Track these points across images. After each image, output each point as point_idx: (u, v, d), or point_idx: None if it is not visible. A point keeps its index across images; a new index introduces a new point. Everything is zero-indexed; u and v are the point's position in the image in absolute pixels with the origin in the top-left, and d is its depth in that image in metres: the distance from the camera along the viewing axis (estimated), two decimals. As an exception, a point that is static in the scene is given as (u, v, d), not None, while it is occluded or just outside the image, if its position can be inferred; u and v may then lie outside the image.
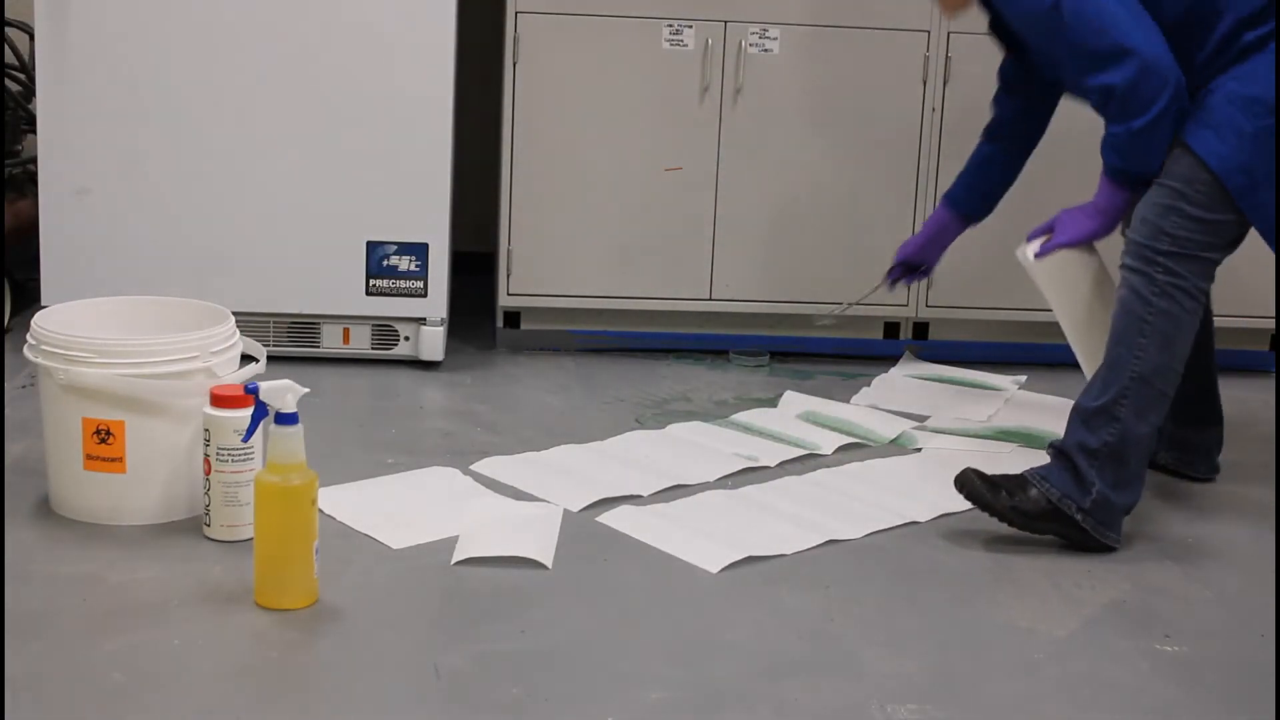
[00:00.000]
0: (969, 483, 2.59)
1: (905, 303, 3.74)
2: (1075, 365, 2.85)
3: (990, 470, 2.62)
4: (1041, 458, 2.66)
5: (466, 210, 3.95)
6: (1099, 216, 2.71)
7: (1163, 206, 2.54)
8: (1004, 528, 2.59)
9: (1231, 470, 2.97)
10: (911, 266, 3.40)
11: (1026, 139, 3.09)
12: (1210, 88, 2.56)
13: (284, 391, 2.22)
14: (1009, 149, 3.10)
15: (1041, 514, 2.56)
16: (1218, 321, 3.71)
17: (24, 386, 3.15)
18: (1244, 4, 2.54)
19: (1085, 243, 2.76)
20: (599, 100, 3.62)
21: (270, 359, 2.73)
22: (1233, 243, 2.61)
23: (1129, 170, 2.62)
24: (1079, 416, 2.58)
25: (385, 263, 3.47)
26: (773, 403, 3.39)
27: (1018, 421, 3.30)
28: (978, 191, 3.17)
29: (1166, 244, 2.52)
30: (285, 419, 2.21)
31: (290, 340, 3.50)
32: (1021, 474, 2.60)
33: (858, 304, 3.56)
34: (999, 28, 2.89)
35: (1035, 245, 2.81)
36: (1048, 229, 2.80)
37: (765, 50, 3.61)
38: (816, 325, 3.63)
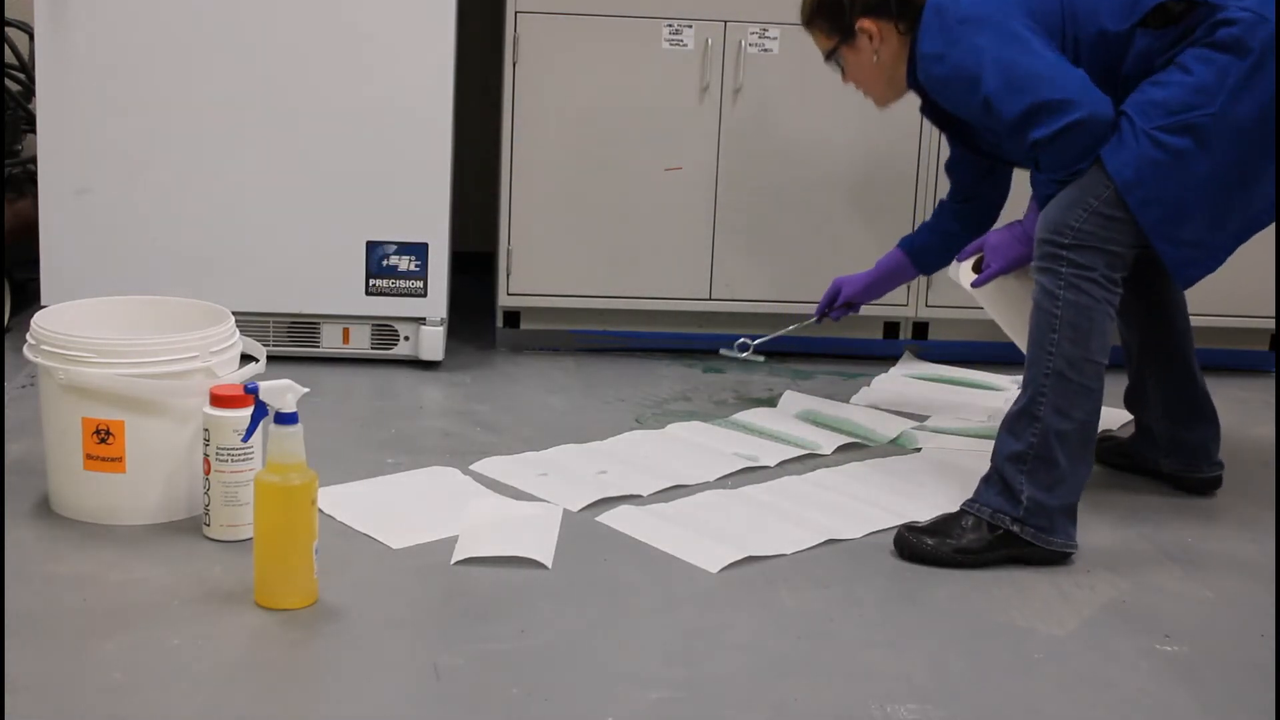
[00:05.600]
0: (904, 543, 2.52)
1: (905, 303, 3.75)
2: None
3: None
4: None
5: (466, 210, 3.95)
6: (1029, 242, 2.68)
7: (1068, 200, 2.51)
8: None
9: (1231, 470, 2.97)
10: (850, 305, 3.32)
11: (989, 203, 3.06)
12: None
13: (284, 391, 2.22)
14: (974, 210, 3.07)
15: (986, 546, 2.49)
16: (1218, 322, 3.75)
17: (24, 386, 3.15)
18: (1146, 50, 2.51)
19: (1018, 268, 2.77)
20: (599, 100, 3.62)
21: (270, 359, 2.73)
22: (1141, 245, 2.53)
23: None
24: (1004, 426, 2.54)
25: (385, 263, 3.47)
26: (773, 403, 3.39)
27: (1018, 421, 3.30)
28: (937, 250, 3.14)
29: (1069, 237, 2.48)
30: (285, 419, 2.21)
31: (290, 340, 3.50)
32: (959, 509, 2.55)
33: (781, 335, 3.44)
34: (931, 110, 2.87)
35: (967, 269, 2.87)
36: (976, 250, 2.85)
37: (765, 50, 3.61)
38: (722, 355, 3.51)
